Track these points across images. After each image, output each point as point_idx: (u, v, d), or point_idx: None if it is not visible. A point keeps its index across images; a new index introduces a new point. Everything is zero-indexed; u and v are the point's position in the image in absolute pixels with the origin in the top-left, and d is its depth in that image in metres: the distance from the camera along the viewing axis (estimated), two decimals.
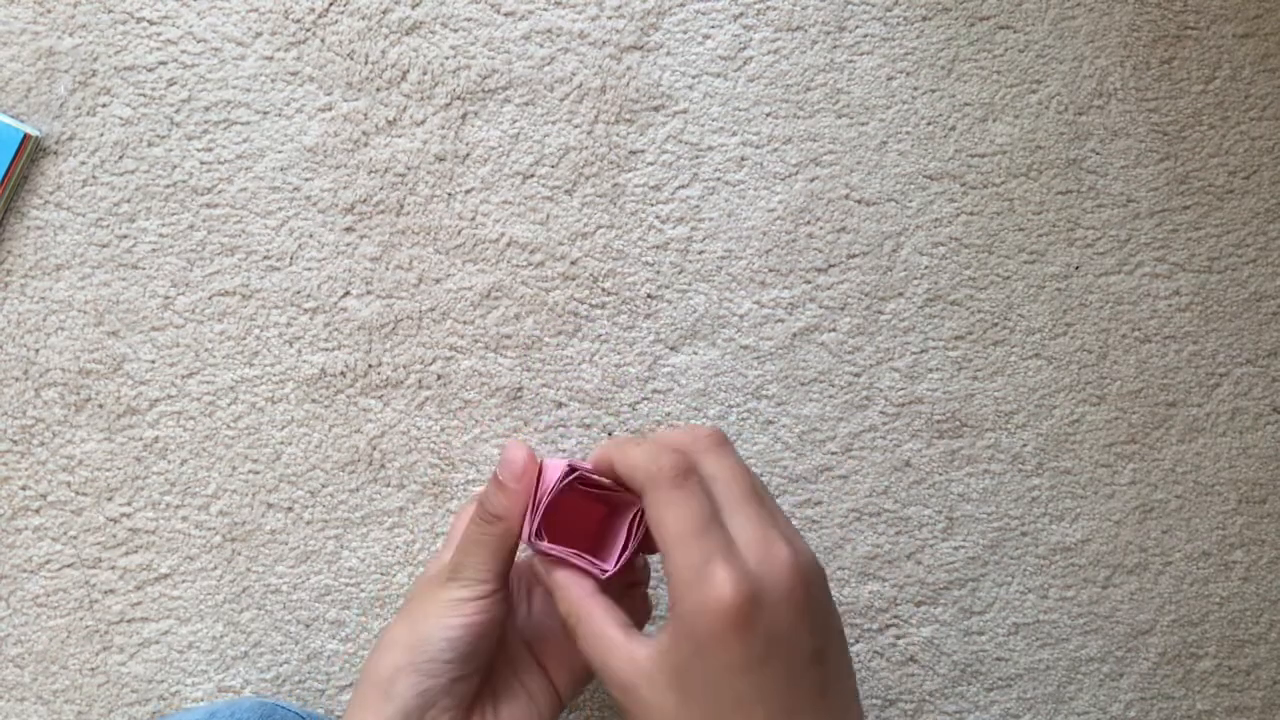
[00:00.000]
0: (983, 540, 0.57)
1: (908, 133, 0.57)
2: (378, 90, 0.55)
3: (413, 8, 0.55)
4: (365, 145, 0.54)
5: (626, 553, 0.38)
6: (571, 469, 0.39)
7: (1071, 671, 0.57)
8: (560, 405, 0.55)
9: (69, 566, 0.53)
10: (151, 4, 0.54)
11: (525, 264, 0.55)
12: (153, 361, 0.53)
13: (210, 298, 0.54)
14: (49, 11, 0.53)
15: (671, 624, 0.34)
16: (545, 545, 0.38)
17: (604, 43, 0.56)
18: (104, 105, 0.53)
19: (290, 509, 0.53)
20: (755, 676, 0.33)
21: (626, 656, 0.35)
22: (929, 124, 0.57)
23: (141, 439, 0.53)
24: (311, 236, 0.54)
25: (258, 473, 0.53)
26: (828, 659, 0.35)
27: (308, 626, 0.53)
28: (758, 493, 0.37)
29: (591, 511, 0.43)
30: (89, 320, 0.53)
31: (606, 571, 0.38)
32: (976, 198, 0.57)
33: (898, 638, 0.56)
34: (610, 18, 0.56)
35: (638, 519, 0.39)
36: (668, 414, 0.55)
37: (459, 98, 0.55)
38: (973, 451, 0.57)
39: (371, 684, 0.38)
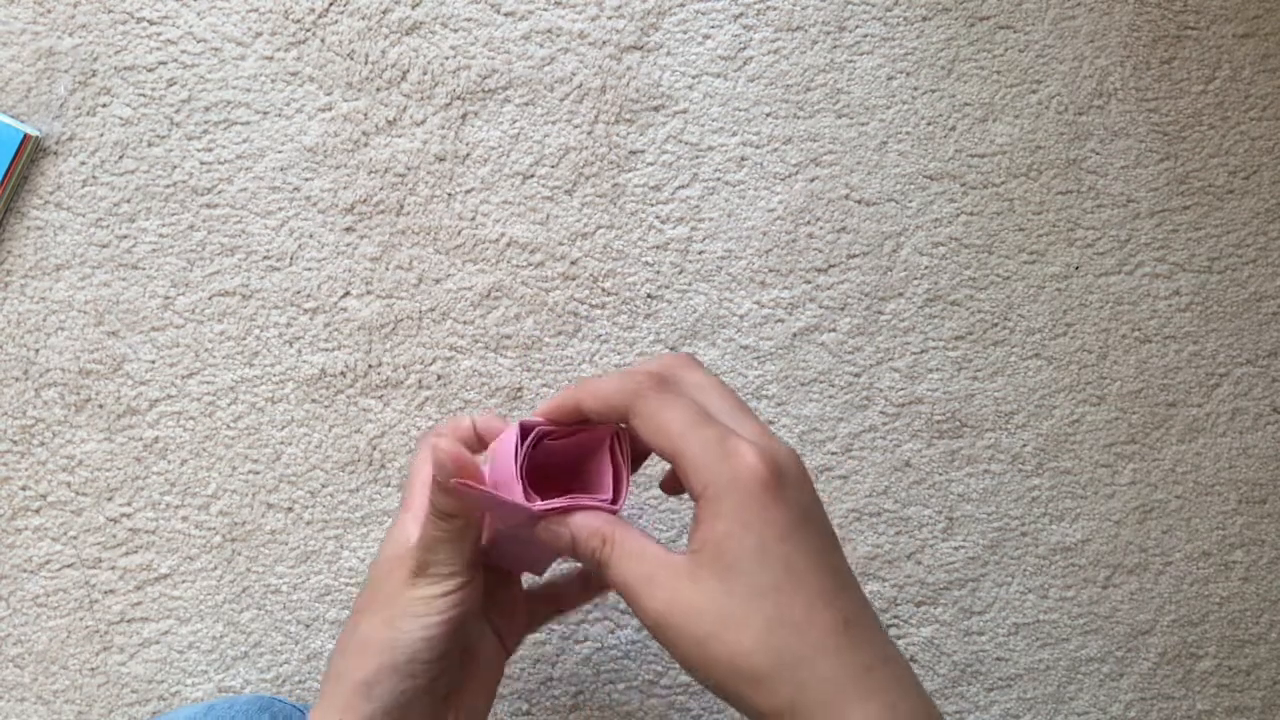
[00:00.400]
0: (983, 540, 0.57)
1: (908, 133, 0.57)
2: (378, 90, 0.55)
3: (413, 8, 0.55)
4: (365, 145, 0.54)
5: (625, 481, 0.37)
6: (525, 429, 0.37)
7: (1071, 671, 0.57)
8: None
9: (69, 566, 0.53)
10: (151, 4, 0.54)
11: (525, 264, 0.55)
12: (153, 361, 0.53)
13: (210, 298, 0.54)
14: (49, 11, 0.53)
15: (703, 515, 0.33)
16: (543, 503, 0.36)
17: (604, 43, 0.56)
18: (104, 105, 0.53)
19: (290, 509, 0.53)
20: (799, 539, 0.32)
21: (666, 563, 0.33)
22: (929, 124, 0.57)
23: (141, 439, 0.53)
24: (311, 236, 0.54)
25: (258, 473, 0.53)
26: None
27: (308, 626, 0.53)
28: (743, 403, 0.37)
29: (560, 460, 0.41)
30: (89, 320, 0.53)
31: (616, 505, 0.37)
32: (976, 198, 0.57)
33: (898, 638, 0.56)
34: (610, 18, 0.56)
35: (620, 445, 0.38)
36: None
37: (459, 98, 0.55)
38: (973, 451, 0.57)
39: (348, 685, 0.37)
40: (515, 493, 0.36)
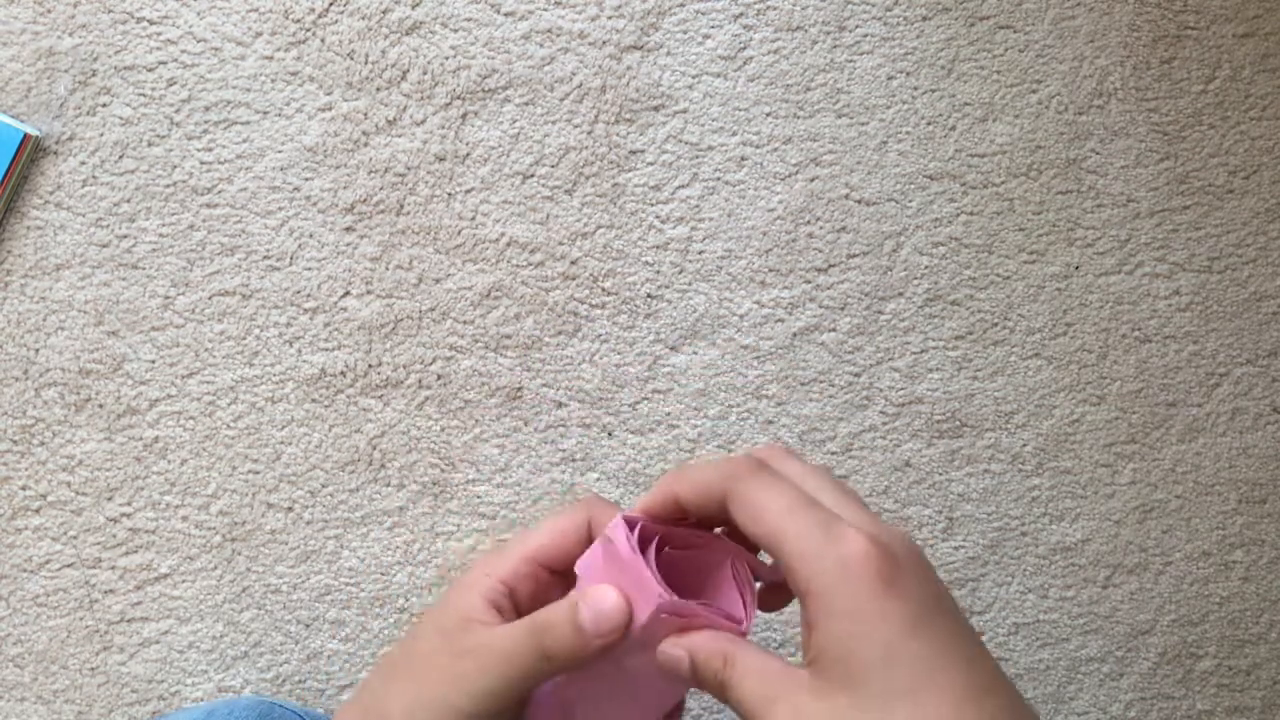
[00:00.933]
0: (983, 540, 0.57)
1: (908, 133, 0.57)
2: (378, 90, 0.55)
3: (413, 8, 0.55)
4: (365, 145, 0.54)
5: (751, 601, 0.33)
6: (629, 523, 0.33)
7: (1071, 671, 0.57)
8: (560, 405, 0.55)
9: (69, 566, 0.53)
10: (151, 4, 0.54)
11: (525, 264, 0.55)
12: (153, 361, 0.53)
13: (210, 298, 0.54)
14: (49, 11, 0.53)
15: (815, 616, 0.29)
16: (677, 603, 0.31)
17: (604, 43, 0.56)
18: (104, 105, 0.53)
19: (290, 509, 0.53)
20: (930, 635, 0.28)
21: (788, 679, 0.30)
22: (929, 124, 0.57)
23: (141, 439, 0.53)
24: (311, 236, 0.54)
25: (258, 473, 0.53)
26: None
27: (308, 626, 0.53)
28: (851, 490, 0.33)
29: (672, 582, 0.35)
30: (89, 320, 0.53)
31: (744, 627, 0.32)
32: (976, 198, 0.57)
33: None
34: (610, 18, 0.56)
35: (740, 568, 0.34)
36: (667, 414, 0.55)
37: (459, 97, 0.55)
38: (973, 451, 0.57)
39: None
40: (646, 592, 0.31)
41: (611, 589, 0.31)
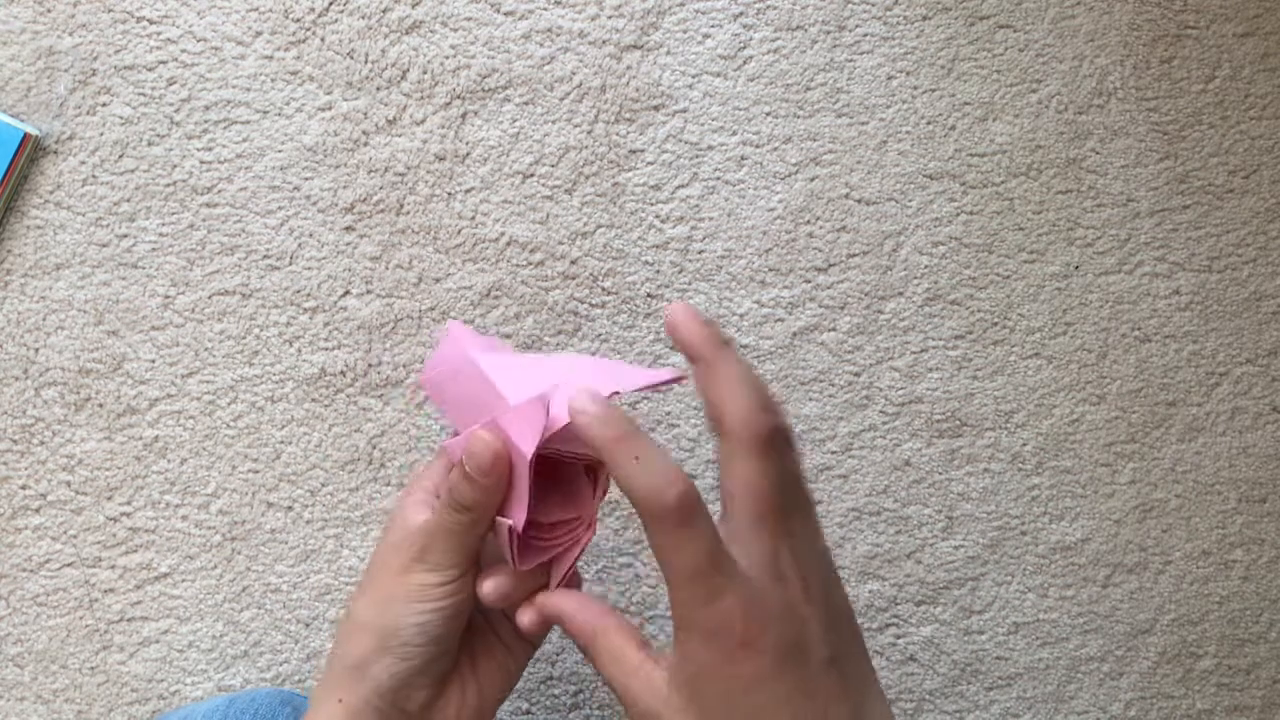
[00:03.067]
0: (983, 540, 0.57)
1: (908, 132, 0.57)
2: (378, 89, 0.55)
3: (413, 7, 0.55)
4: (365, 145, 0.54)
5: (597, 497, 0.39)
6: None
7: (1071, 671, 0.57)
8: None
9: (69, 566, 0.53)
10: (151, 4, 0.54)
11: (525, 263, 0.55)
12: (153, 361, 0.53)
13: (210, 297, 0.54)
14: (49, 11, 0.53)
15: (680, 642, 0.34)
16: (530, 543, 0.38)
17: (604, 42, 0.56)
18: (104, 105, 0.53)
19: (290, 508, 0.53)
20: (772, 688, 0.33)
21: (645, 679, 0.35)
22: (929, 123, 0.57)
23: (141, 438, 0.53)
24: (311, 236, 0.54)
25: (258, 472, 0.53)
26: (844, 661, 0.35)
27: (307, 625, 0.53)
28: (776, 509, 0.35)
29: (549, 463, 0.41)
30: (89, 320, 0.53)
31: (591, 524, 0.38)
32: (976, 197, 0.57)
33: (898, 637, 0.56)
34: (610, 17, 0.56)
35: (599, 472, 0.39)
36: (667, 413, 0.55)
37: (459, 97, 0.55)
38: (973, 451, 0.57)
39: (344, 666, 0.39)
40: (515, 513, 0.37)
41: (479, 433, 0.37)
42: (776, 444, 0.35)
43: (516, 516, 0.37)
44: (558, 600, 0.38)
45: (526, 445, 0.36)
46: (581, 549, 0.39)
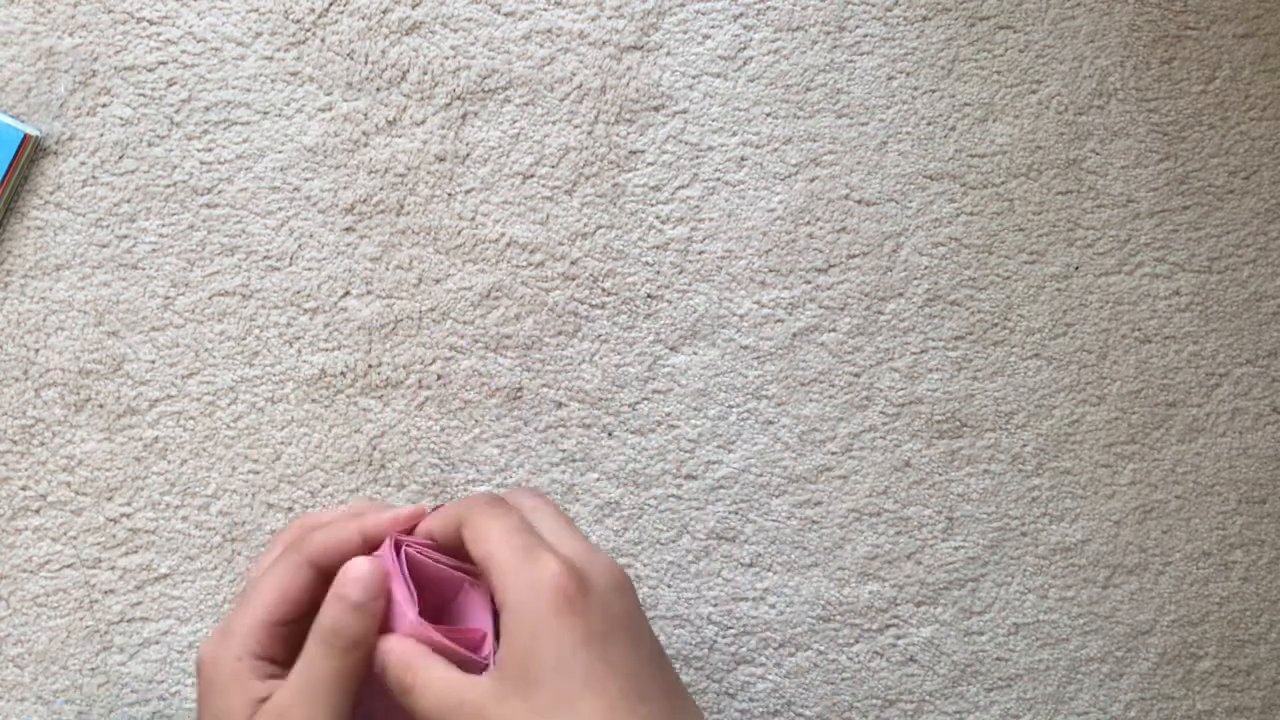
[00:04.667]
0: (983, 540, 0.57)
1: (908, 133, 0.57)
2: (378, 90, 0.55)
3: (413, 8, 0.55)
4: (365, 145, 0.54)
5: (492, 637, 0.36)
6: (398, 544, 0.36)
7: (1071, 671, 0.57)
8: (560, 405, 0.55)
9: (69, 566, 0.53)
10: (151, 4, 0.54)
11: (525, 264, 0.55)
12: (153, 361, 0.53)
13: (210, 298, 0.54)
14: (49, 11, 0.53)
15: (505, 626, 0.33)
16: (431, 632, 0.34)
17: (604, 43, 0.56)
18: (104, 105, 0.53)
19: (290, 509, 0.54)
20: (600, 649, 0.32)
21: (471, 686, 0.33)
22: (929, 124, 0.57)
23: (141, 439, 0.53)
24: (311, 236, 0.54)
25: (258, 473, 0.53)
26: (665, 656, 0.35)
27: None
28: (574, 526, 0.37)
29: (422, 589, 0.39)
30: (89, 320, 0.53)
31: (489, 662, 0.35)
32: (976, 198, 0.57)
33: (898, 638, 0.56)
34: (610, 18, 0.56)
35: (491, 603, 0.36)
36: (667, 414, 0.55)
37: (459, 98, 0.55)
38: (973, 451, 0.57)
39: None
40: (406, 610, 0.35)
41: (355, 559, 0.34)
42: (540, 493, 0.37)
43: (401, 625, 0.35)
44: (384, 643, 0.35)
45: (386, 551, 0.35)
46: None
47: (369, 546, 0.37)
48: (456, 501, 0.37)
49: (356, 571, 0.34)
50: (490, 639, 0.36)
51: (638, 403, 0.55)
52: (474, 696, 0.32)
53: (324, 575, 0.36)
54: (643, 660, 0.33)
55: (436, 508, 0.38)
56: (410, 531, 0.38)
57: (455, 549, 0.37)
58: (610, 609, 0.33)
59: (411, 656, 0.34)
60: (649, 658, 0.34)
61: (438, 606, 0.38)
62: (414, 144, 0.55)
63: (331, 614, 0.34)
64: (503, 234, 0.55)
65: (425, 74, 0.55)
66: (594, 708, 0.31)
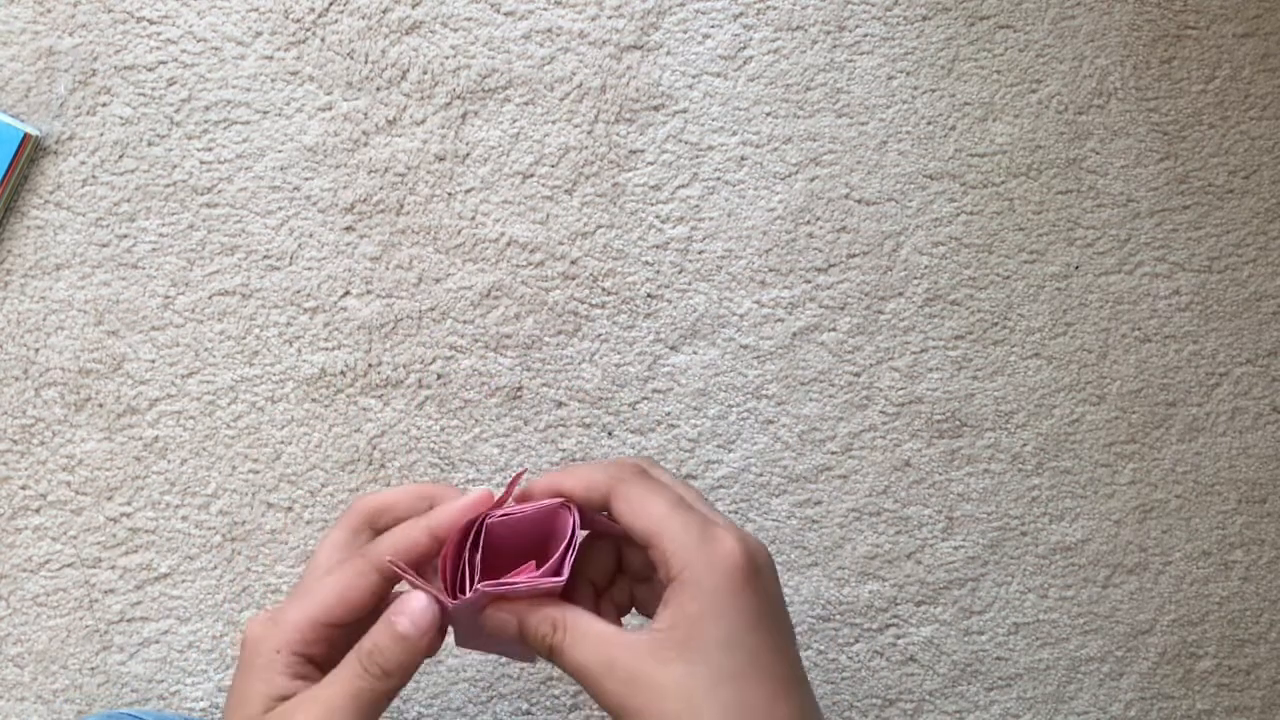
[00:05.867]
0: (983, 540, 0.57)
1: (908, 132, 0.57)
2: (378, 90, 0.55)
3: (413, 7, 0.55)
4: (365, 145, 0.54)
5: (571, 554, 0.36)
6: (472, 524, 0.35)
7: (1071, 671, 0.57)
8: (560, 405, 0.55)
9: (69, 566, 0.53)
10: (151, 4, 0.54)
11: (525, 264, 0.55)
12: (153, 361, 0.53)
13: (210, 297, 0.54)
14: (49, 11, 0.53)
15: (675, 596, 0.33)
16: (488, 586, 0.34)
17: (604, 42, 0.56)
18: (104, 105, 0.53)
19: (290, 508, 0.53)
20: (766, 632, 0.33)
21: (626, 644, 0.33)
22: (929, 124, 0.57)
23: (141, 439, 0.53)
24: (311, 236, 0.54)
25: (258, 472, 0.53)
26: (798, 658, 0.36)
27: None
28: (708, 499, 0.37)
29: (518, 541, 0.38)
30: (89, 320, 0.53)
31: (561, 579, 0.35)
32: (976, 197, 0.57)
33: (898, 637, 0.56)
34: (610, 17, 0.56)
35: (573, 521, 0.36)
36: (667, 413, 0.55)
37: (459, 97, 0.55)
38: (973, 451, 0.57)
39: None
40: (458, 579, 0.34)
41: (416, 593, 0.34)
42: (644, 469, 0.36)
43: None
44: (519, 603, 0.35)
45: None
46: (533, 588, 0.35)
47: (439, 545, 0.36)
48: (589, 465, 0.36)
49: (413, 605, 0.34)
50: (557, 558, 0.35)
51: (638, 402, 0.55)
52: (630, 657, 0.32)
53: (389, 581, 0.35)
54: (794, 644, 0.35)
55: (514, 479, 0.37)
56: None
57: (588, 511, 0.37)
58: (772, 592, 0.34)
59: (553, 613, 0.34)
60: (795, 641, 0.35)
61: (540, 538, 0.38)
62: (414, 143, 0.55)
63: (376, 638, 0.34)
64: (503, 233, 0.55)
65: (425, 73, 0.55)
66: (760, 690, 0.32)
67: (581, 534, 0.37)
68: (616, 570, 0.39)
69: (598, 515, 0.37)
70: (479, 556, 0.35)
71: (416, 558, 0.35)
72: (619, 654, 0.33)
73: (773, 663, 0.33)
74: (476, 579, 0.34)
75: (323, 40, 0.54)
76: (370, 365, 0.54)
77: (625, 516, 0.35)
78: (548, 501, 0.36)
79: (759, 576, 0.33)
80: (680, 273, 0.56)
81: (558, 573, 0.34)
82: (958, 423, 0.57)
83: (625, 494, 0.35)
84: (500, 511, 0.36)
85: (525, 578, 0.35)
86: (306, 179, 0.54)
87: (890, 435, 0.56)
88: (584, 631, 0.34)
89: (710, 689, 0.31)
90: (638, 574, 0.39)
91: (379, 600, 0.35)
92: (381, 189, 0.54)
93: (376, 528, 0.37)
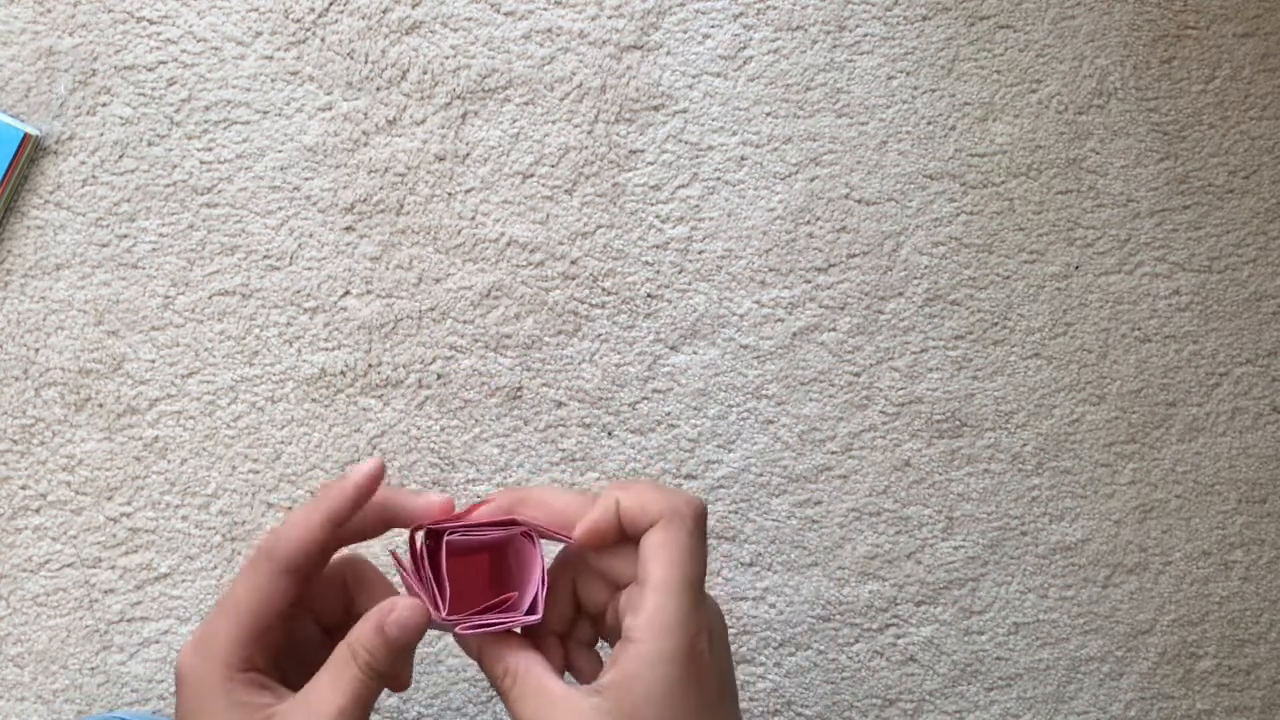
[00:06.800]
0: (983, 540, 0.57)
1: (908, 132, 0.57)
2: (378, 90, 0.55)
3: (413, 7, 0.55)
4: (365, 145, 0.54)
5: (544, 590, 0.36)
6: (431, 532, 0.35)
7: (1071, 671, 0.57)
8: (560, 405, 0.55)
9: (69, 566, 0.53)
10: (151, 4, 0.54)
11: (525, 264, 0.55)
12: (153, 361, 0.53)
13: (210, 297, 0.54)
14: (49, 11, 0.53)
15: (624, 666, 0.33)
16: (467, 629, 0.34)
17: (604, 42, 0.56)
18: (104, 105, 0.53)
19: (290, 508, 0.53)
20: (710, 715, 0.33)
21: (569, 709, 0.33)
22: (929, 124, 0.57)
23: (141, 439, 0.53)
24: (311, 236, 0.54)
25: (258, 472, 0.53)
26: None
27: None
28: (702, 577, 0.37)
29: (472, 561, 0.39)
30: (89, 320, 0.53)
31: (537, 616, 0.35)
32: (976, 197, 0.57)
33: (898, 637, 0.56)
34: (610, 17, 0.56)
35: (540, 558, 0.36)
36: (667, 413, 0.55)
37: (459, 97, 0.55)
38: (973, 451, 0.57)
39: None
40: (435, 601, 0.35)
41: (406, 602, 0.34)
42: (702, 523, 0.35)
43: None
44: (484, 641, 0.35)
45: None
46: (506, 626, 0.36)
47: (337, 538, 0.36)
48: (621, 486, 0.35)
49: (403, 615, 0.34)
50: (531, 592, 0.35)
51: (638, 402, 0.55)
52: (570, 713, 0.33)
53: (301, 576, 0.35)
54: (733, 705, 0.35)
55: (477, 505, 0.37)
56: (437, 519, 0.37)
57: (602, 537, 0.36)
58: (723, 667, 0.34)
59: (510, 660, 0.34)
60: (735, 696, 0.35)
61: (499, 560, 0.38)
62: (414, 143, 0.55)
63: (368, 644, 0.34)
64: (503, 233, 0.55)
65: (425, 73, 0.55)
66: None
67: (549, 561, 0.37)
68: (577, 610, 0.39)
69: (548, 530, 0.36)
70: (443, 571, 0.35)
71: (315, 558, 0.35)
72: (559, 712, 0.33)
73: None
74: (445, 590, 0.35)
75: (323, 40, 0.54)
76: (370, 365, 0.54)
77: (657, 557, 0.34)
78: (506, 532, 0.36)
79: (711, 654, 0.33)
80: (680, 273, 0.56)
81: (534, 610, 0.35)
82: (958, 423, 0.57)
83: (674, 539, 0.34)
84: (459, 526, 0.36)
85: (504, 616, 0.35)
86: (306, 179, 0.54)
87: (890, 435, 0.56)
88: (533, 687, 0.34)
89: None
90: (596, 612, 0.38)
91: (296, 597, 0.35)
92: (381, 189, 0.54)
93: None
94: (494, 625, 0.34)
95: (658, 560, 0.34)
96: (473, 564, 0.39)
